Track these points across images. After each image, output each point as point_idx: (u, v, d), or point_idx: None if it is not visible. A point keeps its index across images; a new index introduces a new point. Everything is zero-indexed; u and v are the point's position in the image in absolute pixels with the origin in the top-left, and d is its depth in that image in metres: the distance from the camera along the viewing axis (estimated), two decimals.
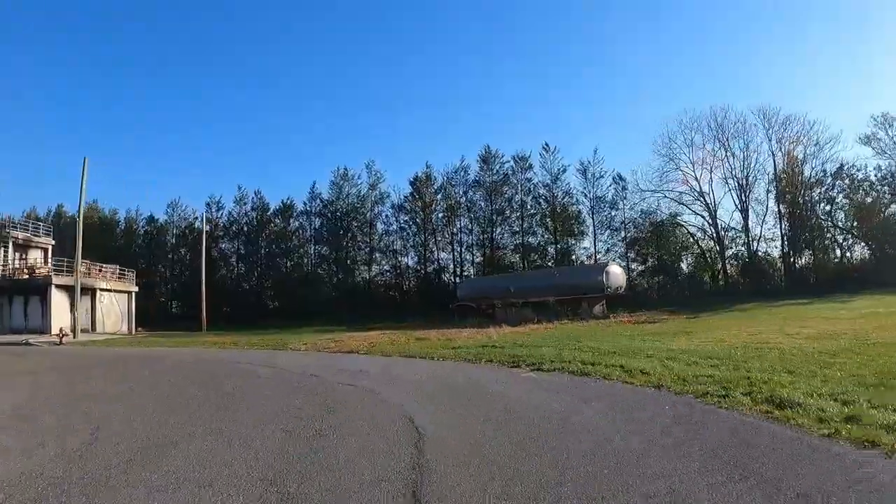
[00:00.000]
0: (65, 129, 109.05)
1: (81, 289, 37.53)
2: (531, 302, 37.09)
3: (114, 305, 40.34)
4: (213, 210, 70.16)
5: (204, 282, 47.89)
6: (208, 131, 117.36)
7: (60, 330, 28.28)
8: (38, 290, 35.25)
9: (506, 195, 62.22)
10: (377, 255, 65.99)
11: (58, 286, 34.69)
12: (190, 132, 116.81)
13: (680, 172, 55.47)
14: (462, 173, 63.72)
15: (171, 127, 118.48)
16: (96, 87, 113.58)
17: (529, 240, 61.59)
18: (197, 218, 71.01)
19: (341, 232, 65.24)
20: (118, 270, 42.40)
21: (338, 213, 66.07)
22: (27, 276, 36.66)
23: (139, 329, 43.38)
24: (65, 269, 38.38)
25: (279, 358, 16.45)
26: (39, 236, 43.23)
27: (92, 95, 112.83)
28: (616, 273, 37.35)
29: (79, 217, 32.33)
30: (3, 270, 37.75)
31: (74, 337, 30.49)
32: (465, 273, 61.61)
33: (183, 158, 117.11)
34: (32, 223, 44.97)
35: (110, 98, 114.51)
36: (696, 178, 55.03)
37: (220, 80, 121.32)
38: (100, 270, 40.57)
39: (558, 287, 36.66)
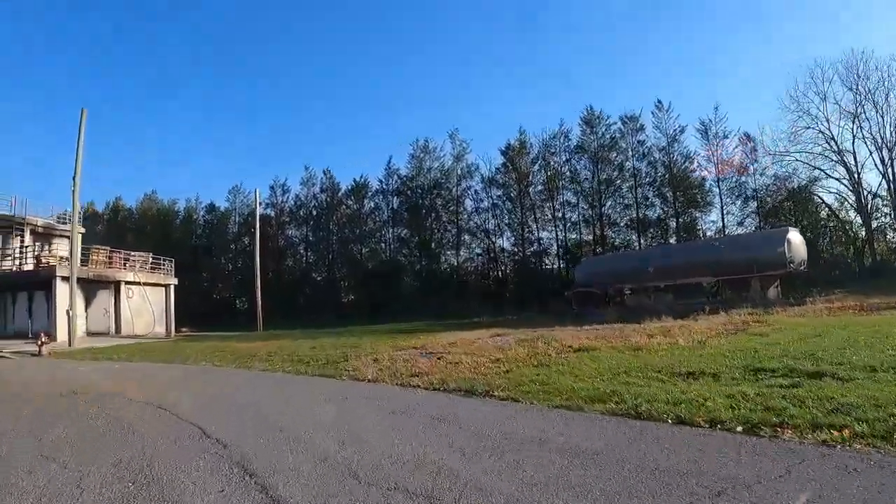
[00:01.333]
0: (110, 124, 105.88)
1: (102, 282, 29.92)
2: (677, 285, 28.26)
3: (145, 302, 32.35)
4: (278, 194, 63.55)
5: (258, 273, 40.18)
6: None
7: (40, 337, 19.96)
8: (43, 284, 27.44)
9: (615, 162, 52.02)
10: (466, 236, 56.94)
11: (65, 278, 26.66)
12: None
13: (814, 131, 44.41)
14: (562, 139, 54.01)
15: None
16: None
17: (647, 213, 50.99)
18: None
19: (423, 212, 56.45)
20: (151, 259, 34.37)
21: (419, 191, 57.33)
22: (36, 268, 29.07)
23: (182, 329, 35.60)
24: (80, 256, 30.74)
25: (307, 413, 6.89)
26: (65, 223, 35.76)
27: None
28: (797, 243, 26.63)
29: (74, 186, 24.00)
30: (18, 262, 30.46)
31: (71, 344, 22.25)
32: (572, 255, 51.43)
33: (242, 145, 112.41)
34: (58, 212, 37.59)
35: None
36: (832, 138, 43.68)
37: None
38: (125, 260, 32.58)
39: (719, 264, 26.55)
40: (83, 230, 37.46)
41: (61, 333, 24.90)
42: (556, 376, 7.92)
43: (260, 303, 38.74)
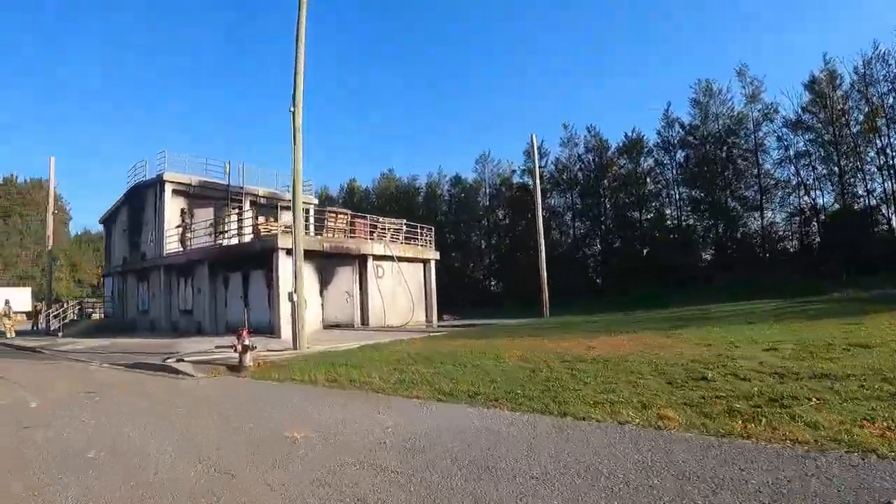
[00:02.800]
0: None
1: (343, 257, 21.81)
2: None
3: (400, 283, 23.68)
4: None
5: (542, 242, 31.45)
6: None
7: (239, 337, 11.16)
8: (261, 260, 19.66)
9: None
10: (773, 193, 44.16)
11: (291, 252, 18.57)
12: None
13: None
14: (881, 65, 39.83)
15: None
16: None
17: None
18: (514, 171, 55.31)
19: (716, 167, 44.89)
20: (405, 227, 25.73)
21: (709, 141, 45.72)
22: (252, 240, 21.63)
23: (445, 317, 27.33)
24: (314, 225, 22.92)
25: None
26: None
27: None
28: None
29: (294, 106, 15.00)
30: (236, 237, 23.58)
31: (298, 346, 13.47)
32: None
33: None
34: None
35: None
36: None
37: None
38: (372, 227, 24.08)
39: None
40: (315, 202, 30.59)
41: (285, 329, 16.74)
42: None
43: (546, 282, 29.02)
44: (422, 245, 26.16)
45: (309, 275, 19.33)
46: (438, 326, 22.76)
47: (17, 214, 71.22)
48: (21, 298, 46.98)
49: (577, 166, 52.79)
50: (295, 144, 14.89)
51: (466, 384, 7.68)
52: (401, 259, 23.84)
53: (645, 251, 47.05)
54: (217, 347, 12.53)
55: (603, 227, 50.44)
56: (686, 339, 10.88)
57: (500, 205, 55.37)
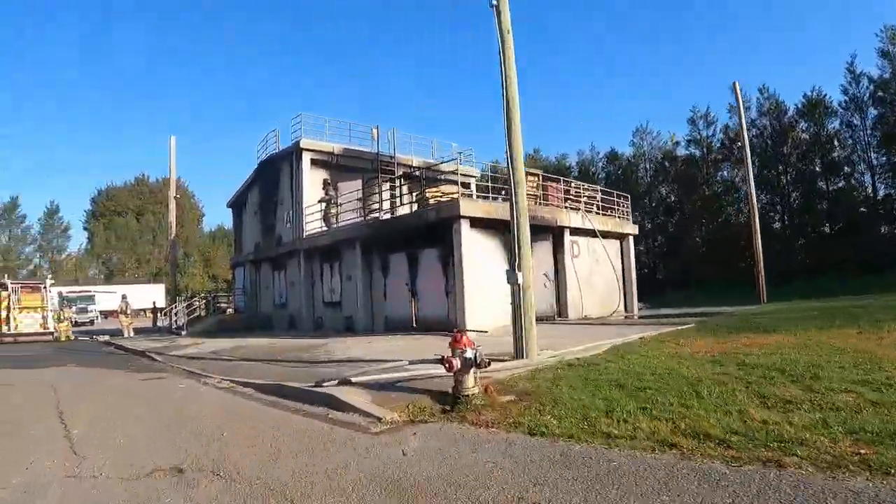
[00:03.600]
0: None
1: (532, 229, 16.67)
2: None
3: (597, 263, 18.60)
4: (701, 127, 47.82)
5: (756, 212, 25.47)
6: None
7: (455, 343, 6.42)
8: (430, 235, 15.05)
9: None
10: None
11: (475, 222, 13.93)
12: None
13: None
14: None
15: None
16: None
17: None
18: (678, 143, 49.00)
19: None
20: (600, 195, 20.55)
21: None
22: (421, 207, 17.08)
23: (642, 304, 22.79)
24: (490, 195, 18.09)
25: None
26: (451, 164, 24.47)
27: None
28: None
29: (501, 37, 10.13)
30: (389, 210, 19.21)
31: (524, 353, 8.54)
32: None
33: None
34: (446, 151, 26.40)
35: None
36: None
37: None
38: (563, 193, 18.99)
39: None
40: (477, 174, 26.10)
41: (472, 324, 12.30)
42: None
43: (762, 261, 23.15)
44: (619, 217, 20.92)
45: (494, 253, 14.65)
46: (640, 318, 17.66)
47: (150, 213, 72.87)
48: (155, 295, 46.85)
49: (751, 133, 45.18)
50: (504, 51, 9.90)
51: None
52: (600, 234, 18.70)
53: (837, 226, 39.95)
54: (411, 363, 7.74)
55: (786, 199, 43.62)
56: None
57: (665, 180, 49.04)
